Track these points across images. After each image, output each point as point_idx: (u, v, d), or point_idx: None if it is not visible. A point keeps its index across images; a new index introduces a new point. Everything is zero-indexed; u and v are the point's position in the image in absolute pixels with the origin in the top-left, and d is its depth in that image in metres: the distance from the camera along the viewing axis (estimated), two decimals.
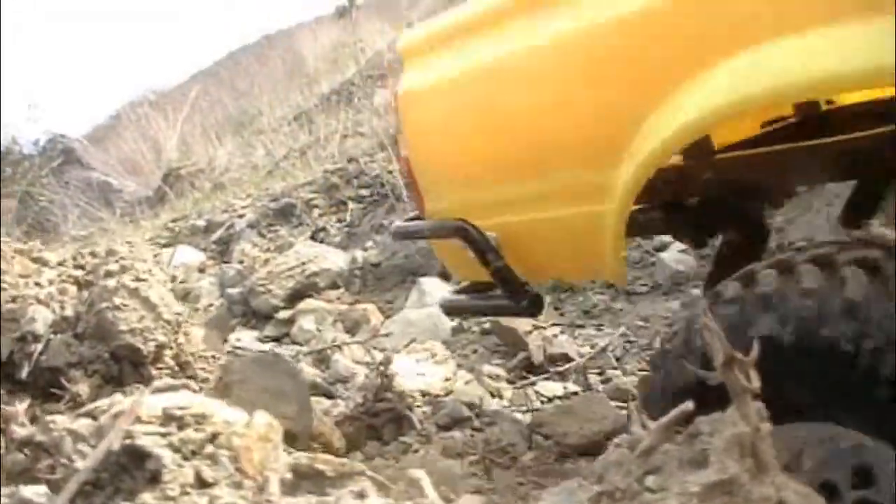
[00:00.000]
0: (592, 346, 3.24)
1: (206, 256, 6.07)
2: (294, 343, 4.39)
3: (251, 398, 1.91)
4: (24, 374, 1.69)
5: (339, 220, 6.05)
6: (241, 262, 5.82)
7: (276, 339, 4.49)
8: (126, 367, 1.68)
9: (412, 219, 2.23)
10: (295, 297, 4.66)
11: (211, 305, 5.25)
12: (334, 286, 4.78)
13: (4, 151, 11.30)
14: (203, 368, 1.79)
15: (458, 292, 2.35)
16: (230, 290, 4.89)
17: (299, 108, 13.04)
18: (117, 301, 1.69)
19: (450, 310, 2.55)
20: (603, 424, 2.40)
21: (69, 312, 1.77)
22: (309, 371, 3.19)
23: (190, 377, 1.74)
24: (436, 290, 4.15)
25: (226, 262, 5.85)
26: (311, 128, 10.18)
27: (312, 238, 5.87)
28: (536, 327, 3.49)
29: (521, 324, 3.46)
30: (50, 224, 11.86)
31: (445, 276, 4.61)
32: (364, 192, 6.24)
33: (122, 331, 1.64)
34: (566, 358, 3.16)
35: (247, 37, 19.09)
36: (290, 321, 4.54)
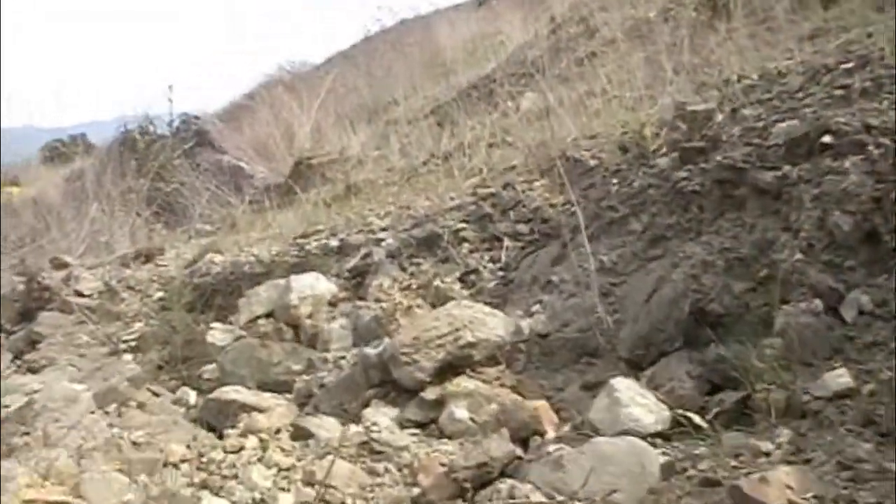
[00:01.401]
0: None
1: (338, 287, 5.36)
2: (443, 435, 3.60)
3: None
4: None
5: (493, 260, 5.20)
6: (377, 299, 5.09)
7: (421, 426, 3.71)
8: None
9: None
10: (445, 370, 3.85)
11: (343, 358, 4.54)
12: (493, 361, 3.93)
13: (139, 131, 11.17)
14: None
15: None
16: (367, 351, 4.13)
17: (436, 100, 12.38)
18: None
19: None
20: None
21: None
22: None
23: None
24: (632, 397, 3.22)
25: (361, 300, 5.12)
26: (454, 130, 9.38)
27: (461, 280, 5.05)
28: (787, 486, 2.54)
29: (771, 491, 2.50)
30: (179, 206, 11.70)
31: (637, 366, 3.68)
32: (522, 227, 5.34)
33: None
34: None
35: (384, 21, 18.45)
36: (439, 402, 3.74)
